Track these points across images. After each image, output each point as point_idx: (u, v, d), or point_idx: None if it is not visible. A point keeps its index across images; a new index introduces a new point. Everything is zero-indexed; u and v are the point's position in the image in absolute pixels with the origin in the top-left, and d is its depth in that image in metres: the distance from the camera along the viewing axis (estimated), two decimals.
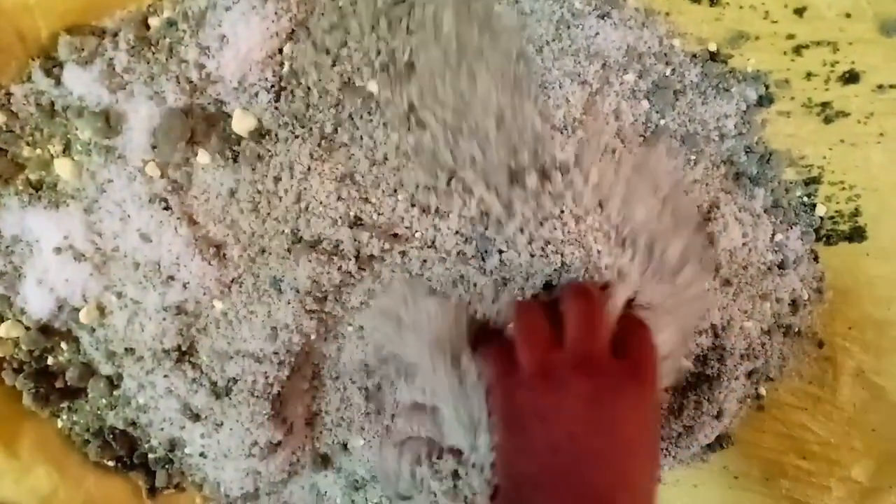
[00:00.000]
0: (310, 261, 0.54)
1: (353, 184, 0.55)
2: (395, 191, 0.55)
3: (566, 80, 0.57)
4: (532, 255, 0.53)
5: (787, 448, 0.71)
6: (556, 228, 0.53)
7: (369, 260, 0.56)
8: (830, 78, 0.63)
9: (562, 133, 0.56)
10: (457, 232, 0.54)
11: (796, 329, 0.70)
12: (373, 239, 0.54)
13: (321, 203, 0.54)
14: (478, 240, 0.54)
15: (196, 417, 0.59)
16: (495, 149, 0.53)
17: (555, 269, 0.53)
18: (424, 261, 0.55)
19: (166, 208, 0.54)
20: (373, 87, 0.54)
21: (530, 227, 0.53)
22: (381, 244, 0.54)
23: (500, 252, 0.54)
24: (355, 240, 0.54)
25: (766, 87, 0.63)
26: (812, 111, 0.64)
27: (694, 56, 0.62)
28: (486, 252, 0.55)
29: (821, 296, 0.70)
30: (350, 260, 0.54)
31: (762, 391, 0.71)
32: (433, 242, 0.55)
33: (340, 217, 0.54)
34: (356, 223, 0.55)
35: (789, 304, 0.69)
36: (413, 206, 0.55)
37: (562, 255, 0.53)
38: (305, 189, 0.54)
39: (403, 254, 0.55)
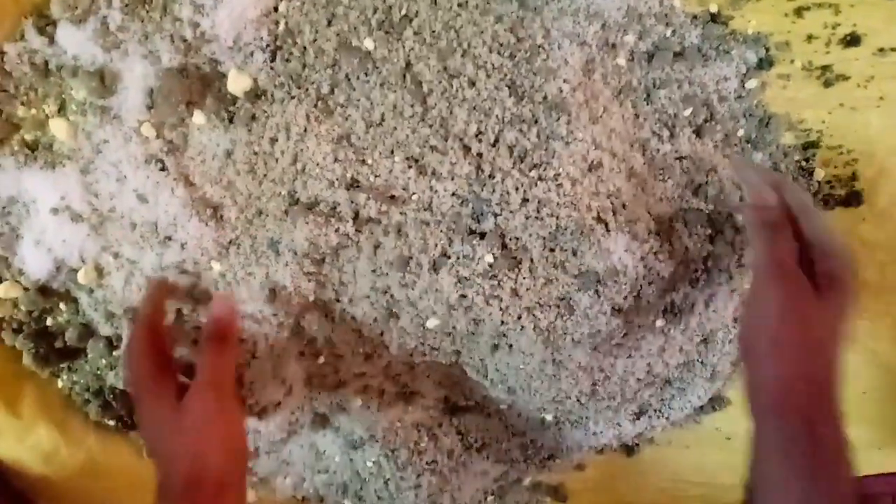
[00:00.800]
0: (307, 222, 0.54)
1: (349, 145, 0.54)
2: (392, 152, 0.54)
3: (565, 41, 0.56)
4: (527, 218, 0.53)
5: None
6: (549, 190, 0.53)
7: (366, 222, 0.56)
8: (831, 41, 0.63)
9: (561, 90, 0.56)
10: (453, 194, 0.54)
11: None
12: (370, 201, 0.54)
13: (318, 165, 0.54)
14: (473, 201, 0.54)
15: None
16: (490, 97, 0.53)
17: (549, 232, 0.53)
18: (422, 223, 0.55)
19: (162, 169, 0.54)
20: (369, 44, 0.53)
21: (524, 187, 0.53)
22: (378, 206, 0.54)
23: (496, 215, 0.54)
24: (352, 202, 0.54)
25: (767, 49, 0.63)
26: (812, 74, 0.64)
27: (695, 17, 0.62)
28: (481, 214, 0.55)
29: None
30: (347, 222, 0.54)
31: None
32: (430, 205, 0.55)
33: (337, 179, 0.54)
34: (353, 185, 0.55)
35: None
36: (410, 167, 0.55)
37: (557, 217, 0.53)
38: (302, 151, 0.54)
39: (402, 215, 0.56)
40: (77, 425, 0.61)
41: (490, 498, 0.71)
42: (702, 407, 0.71)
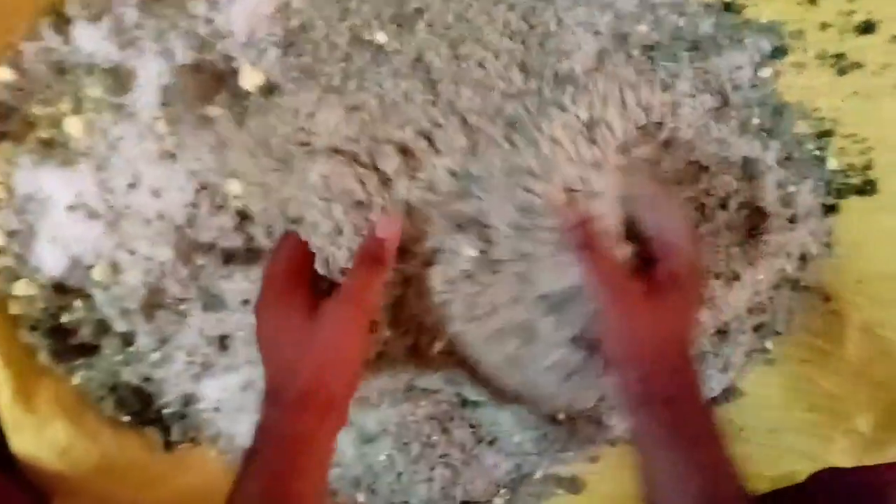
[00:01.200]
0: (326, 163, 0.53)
1: (360, 113, 0.54)
2: (401, 127, 0.55)
3: (579, 29, 0.56)
4: (505, 193, 0.54)
5: (793, 401, 0.71)
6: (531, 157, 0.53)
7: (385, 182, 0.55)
8: (845, 29, 0.62)
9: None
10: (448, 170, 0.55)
11: (804, 283, 0.70)
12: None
13: (329, 126, 0.54)
14: (462, 179, 0.54)
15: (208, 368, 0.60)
16: (498, 76, 0.54)
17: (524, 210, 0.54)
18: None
19: (176, 164, 0.54)
20: (381, 38, 0.53)
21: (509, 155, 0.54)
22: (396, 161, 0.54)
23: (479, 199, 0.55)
24: (370, 153, 0.54)
25: (781, 37, 0.62)
26: (826, 63, 0.63)
27: (708, 6, 0.61)
28: (468, 194, 0.55)
29: (830, 250, 0.70)
30: (369, 169, 0.54)
31: (769, 345, 0.72)
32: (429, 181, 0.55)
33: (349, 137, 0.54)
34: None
35: (798, 258, 0.69)
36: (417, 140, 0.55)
37: (531, 191, 0.53)
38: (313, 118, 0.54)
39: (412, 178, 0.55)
40: (92, 421, 0.62)
41: (503, 490, 0.71)
42: (715, 398, 0.71)
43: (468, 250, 0.54)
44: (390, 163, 0.54)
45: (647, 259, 0.53)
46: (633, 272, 0.52)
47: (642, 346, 0.49)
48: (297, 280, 0.50)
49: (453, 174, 0.55)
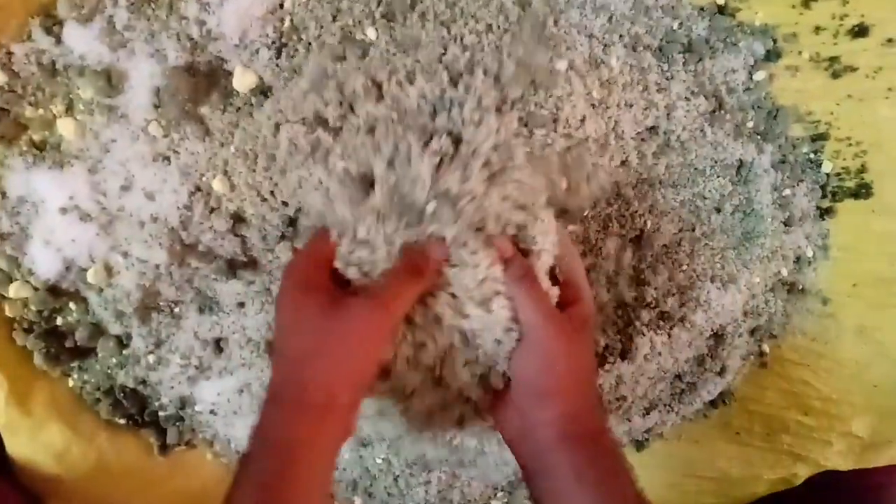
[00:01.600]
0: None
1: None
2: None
3: (573, 30, 0.56)
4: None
5: (789, 404, 0.71)
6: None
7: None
8: (839, 32, 0.62)
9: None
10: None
11: (800, 286, 0.70)
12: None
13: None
14: (437, 102, 0.52)
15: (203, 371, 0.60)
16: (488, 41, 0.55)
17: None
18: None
19: (170, 167, 0.54)
20: (371, 34, 0.54)
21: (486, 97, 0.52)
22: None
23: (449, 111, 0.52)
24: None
25: (774, 41, 0.63)
26: (820, 66, 0.64)
27: (702, 9, 0.62)
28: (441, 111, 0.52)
29: (825, 253, 0.70)
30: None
31: (765, 348, 0.72)
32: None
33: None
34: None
35: (794, 262, 0.69)
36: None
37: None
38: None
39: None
40: (88, 424, 0.61)
41: (500, 494, 0.71)
42: (712, 402, 0.71)
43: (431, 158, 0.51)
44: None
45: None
46: None
47: (572, 379, 0.48)
48: (319, 272, 0.47)
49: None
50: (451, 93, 0.51)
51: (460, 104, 0.49)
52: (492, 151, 0.49)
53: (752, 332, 0.70)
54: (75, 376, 0.61)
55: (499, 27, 0.55)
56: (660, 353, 0.64)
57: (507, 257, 0.49)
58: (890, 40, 0.62)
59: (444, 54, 0.54)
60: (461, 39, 0.55)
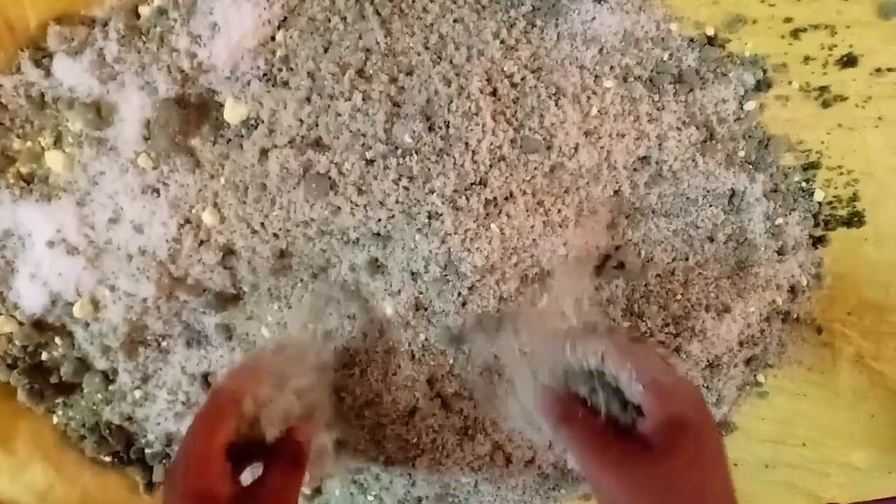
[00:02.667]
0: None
1: None
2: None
3: (565, 61, 0.57)
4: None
5: (787, 435, 0.71)
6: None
7: None
8: (828, 62, 0.63)
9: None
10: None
11: (795, 315, 0.70)
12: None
13: None
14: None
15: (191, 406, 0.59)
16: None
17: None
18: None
19: (159, 199, 0.54)
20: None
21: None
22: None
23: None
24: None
25: (764, 71, 0.63)
26: (810, 95, 0.64)
27: (691, 40, 0.62)
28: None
29: (819, 281, 0.69)
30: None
31: (761, 378, 0.71)
32: None
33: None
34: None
35: (788, 291, 0.69)
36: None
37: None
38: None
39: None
40: (72, 462, 0.60)
41: None
42: None
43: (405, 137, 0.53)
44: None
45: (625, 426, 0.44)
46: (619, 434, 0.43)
47: None
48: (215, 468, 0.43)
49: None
50: None
51: None
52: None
53: (748, 361, 0.70)
54: (60, 413, 0.60)
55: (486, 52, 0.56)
56: None
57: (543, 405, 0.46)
58: (878, 70, 0.63)
59: None
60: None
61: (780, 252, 0.67)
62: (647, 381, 0.42)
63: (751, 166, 0.65)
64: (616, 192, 0.61)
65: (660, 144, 0.60)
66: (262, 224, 0.55)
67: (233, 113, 0.53)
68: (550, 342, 0.49)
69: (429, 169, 0.52)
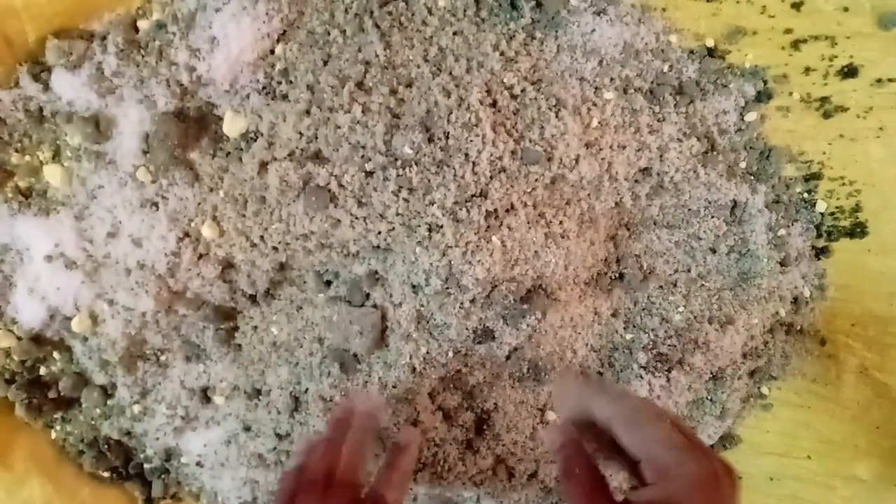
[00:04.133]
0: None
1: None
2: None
3: (565, 74, 0.56)
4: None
5: (791, 447, 0.70)
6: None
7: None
8: (829, 72, 0.63)
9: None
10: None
11: (798, 327, 0.70)
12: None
13: None
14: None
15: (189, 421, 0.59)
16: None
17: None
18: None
19: (158, 213, 0.53)
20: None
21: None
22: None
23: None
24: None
25: (765, 82, 0.63)
26: (811, 106, 0.64)
27: (691, 52, 0.62)
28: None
29: (823, 293, 0.69)
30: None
31: (765, 390, 0.71)
32: None
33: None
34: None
35: (791, 302, 0.68)
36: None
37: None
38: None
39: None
40: (70, 477, 0.60)
41: None
42: (712, 446, 0.70)
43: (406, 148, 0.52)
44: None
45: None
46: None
47: None
48: None
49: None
50: None
51: None
52: None
53: (752, 373, 0.70)
54: (58, 428, 0.60)
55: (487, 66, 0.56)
56: (658, 397, 0.63)
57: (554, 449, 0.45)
58: (879, 80, 0.62)
59: None
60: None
61: (783, 263, 0.66)
62: (647, 458, 0.41)
63: (752, 177, 0.65)
64: (617, 203, 0.60)
65: (661, 156, 0.60)
66: (262, 237, 0.54)
67: (232, 126, 0.53)
68: (569, 386, 0.50)
69: (429, 180, 0.52)
